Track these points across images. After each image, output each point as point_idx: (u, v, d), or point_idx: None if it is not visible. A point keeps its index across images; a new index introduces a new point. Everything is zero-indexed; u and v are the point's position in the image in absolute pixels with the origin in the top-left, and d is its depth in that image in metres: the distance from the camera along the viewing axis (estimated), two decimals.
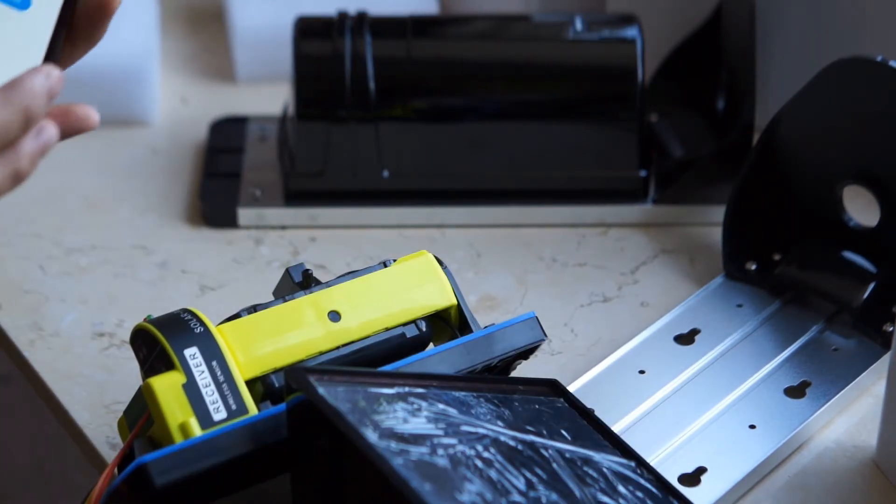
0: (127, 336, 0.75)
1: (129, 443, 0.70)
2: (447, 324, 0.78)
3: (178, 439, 0.68)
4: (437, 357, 0.74)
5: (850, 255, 0.89)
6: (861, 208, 0.90)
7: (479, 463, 0.65)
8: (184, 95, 1.11)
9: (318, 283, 0.76)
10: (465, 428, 0.67)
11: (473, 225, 0.99)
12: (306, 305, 0.74)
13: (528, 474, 0.66)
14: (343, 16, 0.99)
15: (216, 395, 0.69)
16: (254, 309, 0.74)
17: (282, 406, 0.68)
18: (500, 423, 0.70)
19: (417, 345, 0.76)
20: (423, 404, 0.68)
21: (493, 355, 0.75)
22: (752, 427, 0.81)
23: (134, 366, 0.73)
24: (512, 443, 0.68)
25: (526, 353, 0.78)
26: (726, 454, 0.79)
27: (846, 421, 0.83)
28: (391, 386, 0.68)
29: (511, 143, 0.98)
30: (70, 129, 0.63)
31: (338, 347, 0.74)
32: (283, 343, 0.72)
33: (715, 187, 0.97)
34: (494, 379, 0.75)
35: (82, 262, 0.94)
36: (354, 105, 0.97)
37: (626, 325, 0.90)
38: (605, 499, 0.68)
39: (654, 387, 0.83)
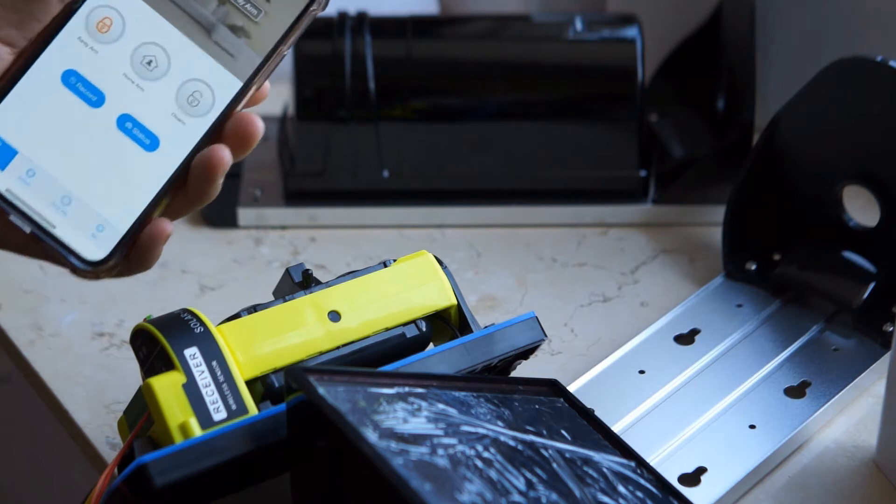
0: (127, 336, 0.75)
1: (129, 443, 0.70)
2: (447, 324, 0.78)
3: (178, 439, 0.68)
4: (437, 357, 0.74)
5: (850, 255, 0.89)
6: (861, 208, 0.90)
7: (479, 463, 0.65)
8: None
9: (318, 283, 0.76)
10: (465, 428, 0.67)
11: (473, 225, 0.99)
12: (306, 305, 0.74)
13: (528, 474, 0.66)
14: (343, 16, 0.99)
15: (216, 395, 0.69)
16: (254, 309, 0.74)
17: (282, 406, 0.68)
18: (500, 423, 0.70)
19: (417, 345, 0.76)
20: (423, 404, 0.68)
21: (493, 355, 0.75)
22: (752, 427, 0.81)
23: (134, 366, 0.73)
24: (512, 443, 0.68)
25: (526, 353, 0.78)
26: (726, 454, 0.79)
27: (846, 421, 0.83)
28: (391, 386, 0.68)
29: (511, 143, 0.98)
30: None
31: (338, 347, 0.74)
32: (283, 343, 0.72)
33: (715, 187, 0.97)
34: (494, 379, 0.75)
35: None
36: (354, 105, 0.97)
37: (626, 325, 0.90)
38: (605, 499, 0.68)
39: (654, 387, 0.83)
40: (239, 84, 0.63)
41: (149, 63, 0.63)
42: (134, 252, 0.63)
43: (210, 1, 0.63)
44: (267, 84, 0.64)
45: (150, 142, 0.63)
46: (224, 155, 0.63)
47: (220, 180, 0.63)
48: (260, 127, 0.63)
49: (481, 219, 0.99)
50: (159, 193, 0.63)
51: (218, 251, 0.96)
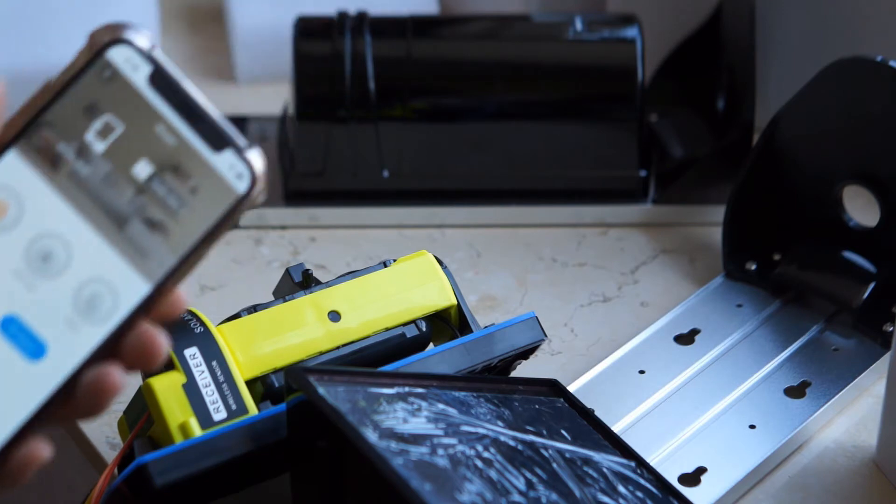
0: None
1: (129, 443, 0.70)
2: (447, 324, 0.78)
3: (178, 439, 0.68)
4: (437, 357, 0.74)
5: (850, 255, 0.89)
6: (861, 208, 0.90)
7: (479, 463, 0.65)
8: None
9: (318, 283, 0.76)
10: (465, 428, 0.67)
11: (473, 225, 0.99)
12: (306, 305, 0.74)
13: (528, 474, 0.66)
14: (343, 16, 0.99)
15: (216, 395, 0.69)
16: (254, 309, 0.74)
17: (282, 406, 0.68)
18: (500, 423, 0.70)
19: (417, 345, 0.76)
20: (423, 404, 0.68)
21: (493, 355, 0.75)
22: (752, 427, 0.81)
23: None
24: (512, 443, 0.68)
25: (526, 353, 0.78)
26: (726, 454, 0.79)
27: (846, 421, 0.83)
28: (391, 386, 0.68)
29: (511, 143, 0.98)
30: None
31: (338, 347, 0.74)
32: (283, 343, 0.72)
33: (715, 187, 0.97)
34: (494, 379, 0.75)
35: None
36: (354, 105, 0.97)
37: (626, 325, 0.90)
38: (605, 499, 0.68)
39: (654, 387, 0.83)
40: (147, 288, 0.54)
41: (45, 258, 0.53)
42: (1, 474, 0.53)
43: (126, 189, 0.53)
44: (182, 297, 0.55)
45: (35, 349, 0.53)
46: (116, 380, 0.53)
47: (109, 404, 0.53)
48: (163, 349, 0.54)
49: (481, 219, 0.99)
50: (39, 410, 0.52)
51: (218, 251, 0.96)
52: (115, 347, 0.53)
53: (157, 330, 0.54)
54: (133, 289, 0.54)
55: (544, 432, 0.71)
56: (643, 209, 0.99)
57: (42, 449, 0.53)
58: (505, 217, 0.99)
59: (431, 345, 0.78)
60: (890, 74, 0.85)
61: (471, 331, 0.77)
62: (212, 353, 0.70)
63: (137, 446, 0.69)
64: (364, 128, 0.97)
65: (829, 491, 0.78)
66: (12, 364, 0.52)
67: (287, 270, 0.77)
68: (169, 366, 0.70)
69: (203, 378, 0.69)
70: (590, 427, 0.75)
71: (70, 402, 0.53)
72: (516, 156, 0.98)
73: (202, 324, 0.71)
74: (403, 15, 1.00)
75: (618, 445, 0.74)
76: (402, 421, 0.65)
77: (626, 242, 0.97)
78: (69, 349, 0.53)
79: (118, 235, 0.54)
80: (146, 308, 0.54)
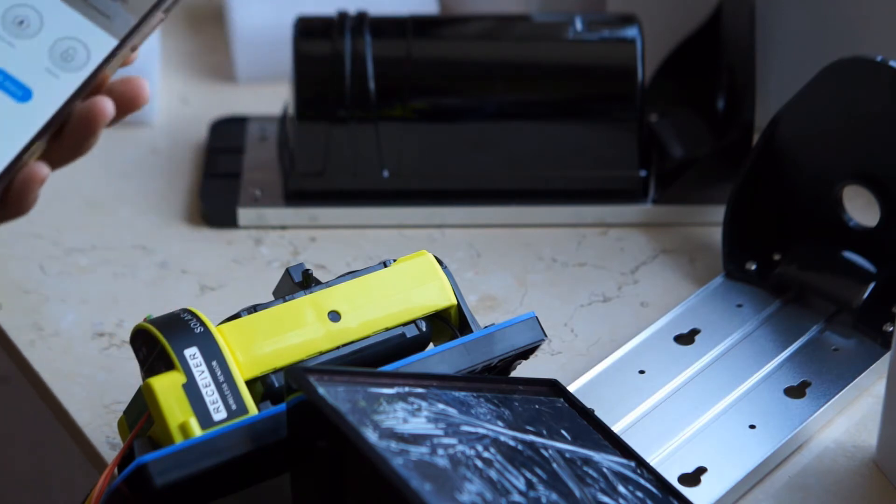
0: (127, 336, 0.75)
1: (129, 443, 0.70)
2: (447, 324, 0.78)
3: (178, 439, 0.68)
4: (437, 357, 0.74)
5: (850, 255, 0.89)
6: (861, 208, 0.90)
7: (479, 463, 0.65)
8: (184, 95, 1.11)
9: (318, 283, 0.76)
10: (465, 428, 0.68)
11: (473, 225, 0.99)
12: (306, 305, 0.74)
13: (528, 474, 0.66)
14: (343, 16, 0.99)
15: (216, 395, 0.69)
16: (254, 309, 0.74)
17: (282, 406, 0.68)
18: (500, 423, 0.70)
19: (417, 345, 0.76)
20: (423, 404, 0.68)
21: (493, 355, 0.75)
22: (752, 427, 0.81)
23: (134, 366, 0.73)
24: (512, 443, 0.68)
25: (526, 353, 0.78)
26: (726, 454, 0.79)
27: (846, 421, 0.83)
28: (391, 386, 0.68)
29: (511, 143, 0.98)
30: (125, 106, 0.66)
31: (338, 347, 0.74)
32: (283, 343, 0.72)
33: (715, 187, 0.97)
34: (494, 379, 0.75)
35: (82, 263, 0.94)
36: (354, 105, 0.97)
37: (626, 325, 0.90)
38: (605, 499, 0.68)
39: (654, 387, 0.83)
40: (114, 42, 0.65)
41: (20, 23, 0.65)
42: (9, 197, 0.65)
43: None
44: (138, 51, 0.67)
45: (22, 93, 0.65)
46: (107, 106, 0.64)
47: (100, 133, 0.65)
48: (146, 91, 0.65)
49: (481, 219, 0.99)
50: (32, 140, 0.64)
51: (218, 251, 0.96)
52: (94, 91, 0.65)
53: (142, 79, 0.66)
54: (102, 44, 0.65)
55: (544, 432, 0.71)
56: (643, 209, 0.99)
57: (41, 169, 0.64)
58: (505, 217, 0.99)
59: (431, 345, 0.78)
60: (890, 74, 0.85)
61: (471, 331, 0.77)
62: (212, 353, 0.70)
63: (137, 446, 0.69)
64: (364, 128, 0.97)
65: (829, 491, 0.78)
66: (4, 106, 0.64)
67: (287, 270, 0.77)
68: (169, 366, 0.70)
69: (203, 378, 0.69)
70: (590, 427, 0.75)
71: (66, 134, 0.65)
72: (516, 156, 0.98)
73: (202, 324, 0.71)
74: (403, 15, 1.00)
75: (618, 445, 0.74)
76: (402, 421, 0.65)
77: (626, 242, 0.97)
78: (53, 91, 0.64)
79: (83, 4, 0.65)
80: (114, 57, 0.65)
